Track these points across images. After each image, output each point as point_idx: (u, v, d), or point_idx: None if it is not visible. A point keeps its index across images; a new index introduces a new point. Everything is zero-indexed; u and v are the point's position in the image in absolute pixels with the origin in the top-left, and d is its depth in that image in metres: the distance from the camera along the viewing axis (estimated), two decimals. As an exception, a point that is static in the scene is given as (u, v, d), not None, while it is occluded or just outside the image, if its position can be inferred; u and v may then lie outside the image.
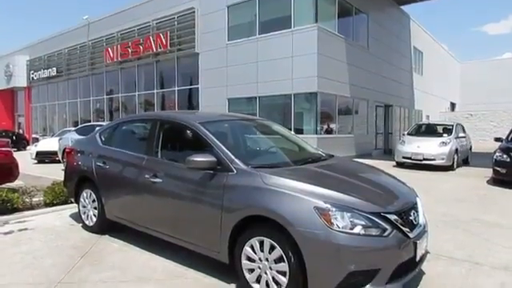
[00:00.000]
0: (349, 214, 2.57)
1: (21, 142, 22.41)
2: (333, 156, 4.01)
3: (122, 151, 4.17)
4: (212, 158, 3.12)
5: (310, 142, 12.52)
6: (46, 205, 5.69)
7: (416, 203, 3.12)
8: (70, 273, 3.34)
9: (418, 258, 2.81)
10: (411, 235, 2.76)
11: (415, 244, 2.76)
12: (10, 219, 5.01)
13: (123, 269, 3.44)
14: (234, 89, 14.89)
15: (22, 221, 4.99)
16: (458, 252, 3.92)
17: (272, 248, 2.72)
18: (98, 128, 5.08)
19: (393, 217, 2.69)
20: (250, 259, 2.86)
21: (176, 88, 17.66)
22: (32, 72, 26.45)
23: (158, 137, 3.83)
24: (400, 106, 19.87)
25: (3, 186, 6.36)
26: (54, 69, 24.47)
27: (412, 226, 2.86)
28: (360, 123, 16.03)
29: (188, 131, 3.57)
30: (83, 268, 3.46)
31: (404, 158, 11.37)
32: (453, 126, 12.09)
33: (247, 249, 2.86)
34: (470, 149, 13.17)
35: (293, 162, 3.50)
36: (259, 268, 2.81)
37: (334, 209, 2.57)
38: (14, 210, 5.30)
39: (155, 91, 18.69)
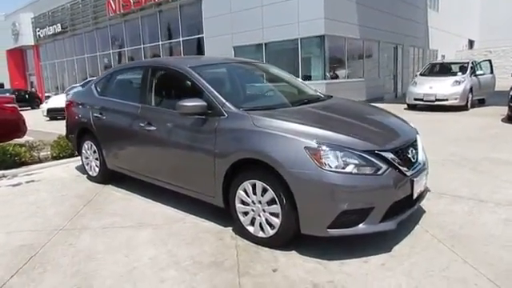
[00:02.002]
0: (341, 153, 2.48)
1: (34, 101, 22.70)
2: (331, 97, 3.84)
3: (117, 101, 4.09)
4: (202, 103, 3.01)
5: (319, 87, 12.28)
6: (54, 158, 5.80)
7: (415, 141, 2.99)
8: (72, 220, 3.44)
9: (415, 196, 2.74)
10: (408, 173, 2.68)
11: (412, 182, 2.68)
12: (18, 172, 5.14)
13: (124, 216, 3.52)
14: (240, 36, 14.34)
15: (29, 173, 5.13)
16: (463, 190, 3.84)
17: (264, 190, 2.69)
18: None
19: (388, 155, 2.59)
20: (243, 202, 2.85)
21: (181, 38, 17.14)
22: (38, 29, 26.02)
23: (151, 84, 3.73)
24: (413, 46, 18.91)
25: (12, 141, 6.48)
26: (59, 25, 23.97)
27: (410, 163, 2.76)
28: (371, 66, 15.42)
29: (179, 76, 3.44)
30: (85, 215, 3.55)
31: (416, 99, 11.00)
32: (468, 63, 11.47)
33: (240, 192, 2.84)
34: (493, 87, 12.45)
35: (288, 103, 3.37)
36: (253, 211, 2.81)
37: (324, 148, 2.48)
38: (23, 163, 5.43)
39: (160, 43, 18.21)
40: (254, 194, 2.76)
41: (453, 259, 2.52)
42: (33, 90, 27.80)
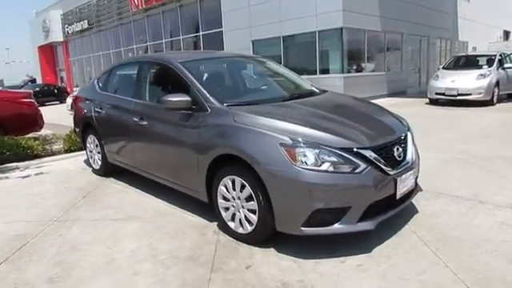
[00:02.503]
0: (316, 151, 2.42)
1: (62, 95, 23.62)
2: (326, 91, 3.76)
3: (115, 96, 4.19)
4: (186, 98, 3.03)
5: (336, 82, 12.11)
6: (65, 152, 6.02)
7: (404, 138, 2.88)
8: (67, 212, 3.57)
9: (398, 196, 2.64)
10: (391, 172, 2.58)
11: (395, 181, 2.59)
12: (30, 164, 5.38)
13: (117, 208, 3.61)
14: (258, 30, 14.27)
15: (40, 166, 5.35)
16: (464, 190, 3.67)
17: (243, 187, 2.68)
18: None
19: (368, 153, 2.50)
20: (224, 198, 2.85)
21: (201, 33, 17.27)
22: (66, 26, 26.98)
23: (144, 79, 3.79)
24: (440, 38, 18.15)
25: (30, 135, 6.79)
26: (86, 21, 24.76)
27: (394, 162, 2.66)
28: (393, 60, 14.95)
29: (170, 71, 3.46)
30: (81, 207, 3.67)
31: (437, 94, 10.59)
32: (495, 56, 10.89)
33: (222, 188, 2.84)
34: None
35: (277, 98, 3.32)
36: (233, 206, 2.80)
37: (299, 145, 2.43)
38: (36, 156, 5.67)
39: (181, 37, 18.44)
40: (234, 189, 2.75)
41: (434, 263, 2.42)
42: (63, 84, 28.92)
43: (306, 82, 4.00)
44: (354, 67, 13.06)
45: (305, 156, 2.41)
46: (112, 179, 4.55)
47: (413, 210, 3.23)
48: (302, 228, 2.44)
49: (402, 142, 2.83)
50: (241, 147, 2.62)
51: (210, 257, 2.62)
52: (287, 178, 2.40)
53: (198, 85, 3.13)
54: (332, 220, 2.44)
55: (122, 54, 22.78)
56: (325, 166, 2.40)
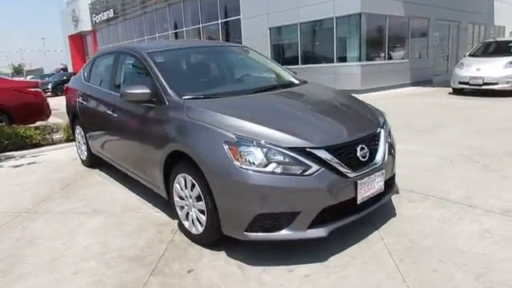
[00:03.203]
0: (263, 150, 2.22)
1: (89, 84, 24.20)
2: (306, 82, 3.52)
3: (94, 87, 4.14)
4: (145, 90, 2.89)
5: (353, 70, 11.61)
6: (66, 141, 6.11)
7: (372, 136, 2.60)
8: (40, 203, 3.57)
9: (360, 201, 2.40)
10: (351, 174, 2.34)
11: (356, 184, 2.34)
12: (26, 153, 5.50)
13: (89, 201, 3.58)
14: (275, 17, 13.88)
15: (35, 155, 5.45)
16: (457, 192, 3.34)
17: (193, 186, 2.53)
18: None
19: (322, 153, 2.27)
20: (179, 196, 2.72)
21: (219, 21, 17.08)
22: (94, 15, 27.61)
23: (117, 70, 3.70)
24: (473, 23, 16.94)
25: (37, 123, 6.96)
26: (112, 10, 25.20)
27: (356, 162, 2.41)
28: (418, 46, 14.12)
29: (138, 62, 3.34)
30: (55, 199, 3.67)
31: (461, 83, 9.89)
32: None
33: (176, 185, 2.71)
34: None
35: (245, 90, 3.10)
36: (186, 206, 2.67)
37: (243, 143, 2.24)
38: (35, 145, 5.78)
39: (200, 26, 18.34)
40: (187, 188, 2.61)
41: (391, 276, 2.18)
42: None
43: (287, 72, 3.76)
44: (374, 55, 12.44)
45: (249, 155, 2.21)
46: (97, 170, 4.54)
47: (390, 214, 2.97)
48: (246, 233, 2.26)
49: (371, 141, 2.57)
50: (188, 144, 2.47)
51: (156, 257, 2.51)
52: (229, 178, 2.22)
53: (160, 76, 2.98)
54: (278, 226, 2.24)
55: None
56: (271, 167, 2.20)
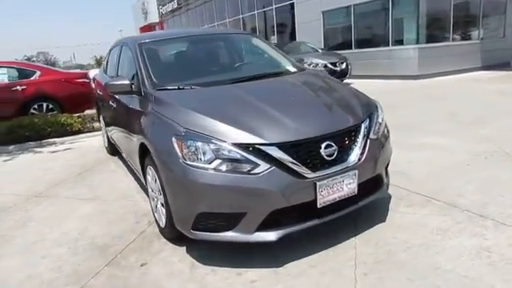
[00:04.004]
0: (209, 145, 2.09)
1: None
2: (303, 70, 3.27)
3: (105, 77, 4.30)
4: (125, 82, 2.91)
5: (410, 54, 10.61)
6: (104, 128, 6.52)
7: (345, 132, 2.29)
8: (51, 188, 3.85)
9: (321, 205, 2.15)
10: (310, 175, 2.10)
11: (315, 186, 2.10)
12: (66, 140, 5.98)
13: (93, 188, 3.77)
14: (328, -1, 13.23)
15: (73, 142, 5.92)
16: (471, 197, 2.86)
17: (156, 178, 2.50)
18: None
19: (272, 150, 2.07)
20: (151, 188, 2.72)
21: (273, 6, 16.77)
22: (161, 7, 28.99)
23: (120, 61, 3.79)
24: None
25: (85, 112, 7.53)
26: (176, 1, 26.19)
27: (321, 161, 2.16)
28: (492, 25, 12.39)
29: (131, 53, 3.37)
30: (67, 184, 3.93)
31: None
32: None
33: (148, 177, 2.70)
34: None
35: (224, 80, 2.91)
36: (156, 197, 2.65)
37: (190, 138, 2.13)
38: (76, 132, 6.26)
39: (256, 12, 18.21)
40: (154, 180, 2.59)
41: (342, 292, 1.93)
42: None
43: (287, 60, 3.50)
44: (435, 36, 11.20)
45: (194, 150, 2.10)
46: (116, 158, 4.77)
47: (379, 219, 2.64)
48: (192, 231, 2.17)
49: (342, 137, 2.27)
50: (147, 136, 2.44)
51: (121, 248, 2.54)
52: (175, 173, 2.14)
53: (142, 67, 2.98)
54: (224, 226, 2.11)
55: (206, 32, 23.60)
56: (214, 164, 2.06)
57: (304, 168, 2.10)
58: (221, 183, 2.04)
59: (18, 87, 6.94)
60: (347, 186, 2.24)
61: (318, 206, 2.15)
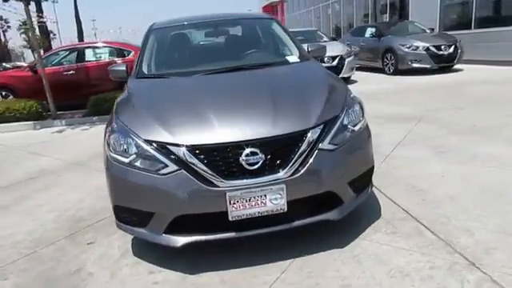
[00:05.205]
0: (127, 139, 2.07)
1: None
2: (303, 62, 2.92)
3: None
4: (121, 68, 3.06)
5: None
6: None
7: (279, 139, 1.96)
8: (90, 160, 4.33)
9: (233, 218, 1.92)
10: (221, 183, 1.90)
11: (225, 197, 1.89)
12: (106, 119, 6.62)
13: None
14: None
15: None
16: (480, 237, 2.15)
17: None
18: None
19: (181, 152, 1.92)
20: None
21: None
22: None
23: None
24: None
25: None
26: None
27: (240, 170, 1.92)
28: None
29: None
30: (97, 159, 4.32)
31: None
32: None
33: None
34: None
35: (204, 70, 2.78)
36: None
37: (116, 130, 2.16)
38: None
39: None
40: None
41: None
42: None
43: (292, 49, 3.13)
44: None
45: (114, 143, 2.12)
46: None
47: (339, 243, 2.21)
48: (117, 221, 2.21)
49: (275, 145, 1.95)
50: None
51: (88, 224, 2.75)
52: (105, 162, 2.20)
53: (143, 54, 3.09)
54: (137, 222, 2.09)
55: (320, 10, 22.76)
56: (130, 159, 2.03)
57: (215, 175, 1.90)
58: (131, 179, 2.01)
59: (117, 65, 7.99)
60: (271, 201, 1.93)
61: (230, 219, 1.92)
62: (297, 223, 2.03)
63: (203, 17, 3.56)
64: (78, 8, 29.24)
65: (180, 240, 1.98)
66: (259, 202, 1.92)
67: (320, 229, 2.26)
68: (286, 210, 1.96)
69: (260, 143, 1.93)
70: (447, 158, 3.45)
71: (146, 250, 2.31)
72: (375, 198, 2.74)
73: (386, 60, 9.82)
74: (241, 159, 1.91)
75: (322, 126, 2.05)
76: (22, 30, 9.99)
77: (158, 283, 2.02)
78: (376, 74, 10.29)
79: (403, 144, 3.99)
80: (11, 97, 7.82)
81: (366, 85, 8.66)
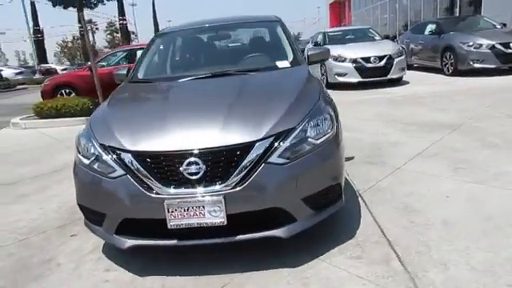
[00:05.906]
0: (88, 143, 2.19)
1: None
2: (294, 67, 2.82)
3: None
4: (123, 72, 3.22)
5: None
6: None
7: (223, 150, 1.91)
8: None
9: (172, 226, 1.92)
10: (159, 190, 1.92)
11: (163, 204, 1.90)
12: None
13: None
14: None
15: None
16: (454, 272, 1.89)
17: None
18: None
19: (127, 157, 1.99)
20: None
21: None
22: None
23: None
24: None
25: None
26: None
27: (181, 178, 1.92)
28: None
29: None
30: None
31: None
32: None
33: None
34: None
35: (192, 75, 2.81)
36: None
37: (82, 133, 2.30)
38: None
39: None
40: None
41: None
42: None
43: (286, 55, 3.01)
44: None
45: (79, 145, 2.26)
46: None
47: (293, 263, 2.08)
48: (85, 219, 2.34)
49: (217, 156, 1.91)
50: None
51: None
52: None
53: (142, 59, 3.22)
54: (96, 221, 2.20)
55: (387, 6, 21.55)
56: (88, 161, 2.14)
57: (156, 182, 1.93)
58: (88, 180, 2.13)
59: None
60: (210, 213, 1.90)
61: (169, 227, 1.93)
62: (240, 237, 1.97)
63: (209, 21, 3.59)
64: (156, 10, 31.25)
65: (127, 242, 2.05)
66: (197, 213, 1.90)
67: (280, 244, 2.16)
68: (225, 223, 1.91)
69: (202, 153, 1.91)
70: (463, 176, 3.06)
71: (114, 248, 2.41)
72: (357, 215, 2.55)
73: (444, 59, 8.94)
74: (181, 168, 1.91)
75: (271, 139, 1.96)
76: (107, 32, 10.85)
77: (108, 281, 2.10)
78: (433, 75, 9.44)
79: (422, 156, 3.63)
80: (73, 94, 8.68)
81: (416, 86, 8.02)
